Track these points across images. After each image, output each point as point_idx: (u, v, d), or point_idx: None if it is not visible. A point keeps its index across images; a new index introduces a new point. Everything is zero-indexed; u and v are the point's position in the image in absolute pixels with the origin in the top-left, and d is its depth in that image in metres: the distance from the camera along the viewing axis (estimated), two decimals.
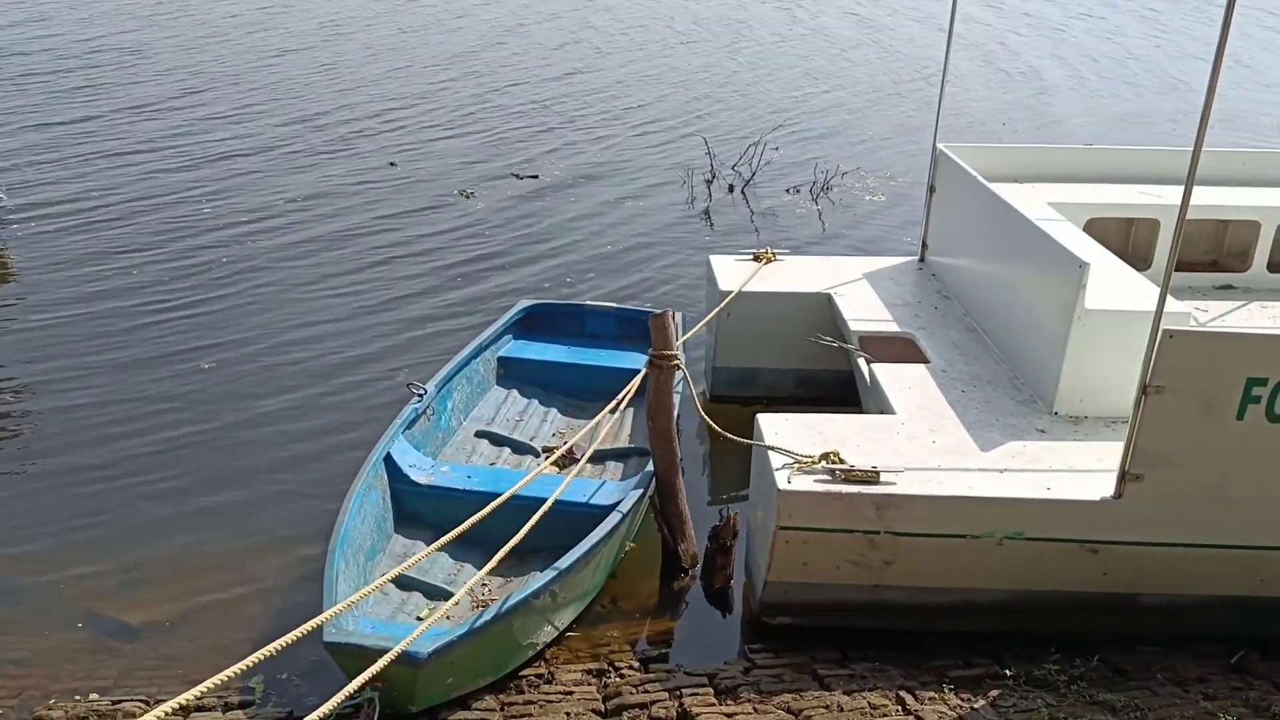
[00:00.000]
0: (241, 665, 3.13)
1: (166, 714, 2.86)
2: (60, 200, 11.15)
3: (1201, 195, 7.71)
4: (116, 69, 16.23)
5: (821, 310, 7.34)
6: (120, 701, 4.91)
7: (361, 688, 3.76)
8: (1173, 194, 7.68)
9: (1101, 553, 5.08)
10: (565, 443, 6.76)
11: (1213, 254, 8.07)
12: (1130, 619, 5.31)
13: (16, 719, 4.78)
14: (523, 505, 4.88)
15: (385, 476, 5.90)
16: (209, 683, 3.03)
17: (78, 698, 4.96)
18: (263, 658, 3.20)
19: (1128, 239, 7.79)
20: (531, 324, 7.86)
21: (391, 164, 12.80)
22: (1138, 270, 6.56)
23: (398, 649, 3.99)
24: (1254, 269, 7.73)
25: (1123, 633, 5.34)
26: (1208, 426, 4.80)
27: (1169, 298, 4.67)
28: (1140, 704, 4.76)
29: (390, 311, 9.13)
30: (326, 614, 3.74)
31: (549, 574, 4.95)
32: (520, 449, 6.78)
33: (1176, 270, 7.61)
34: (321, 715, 3.19)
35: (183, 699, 2.94)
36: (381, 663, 3.73)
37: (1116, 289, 5.90)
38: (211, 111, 14.42)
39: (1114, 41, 22.62)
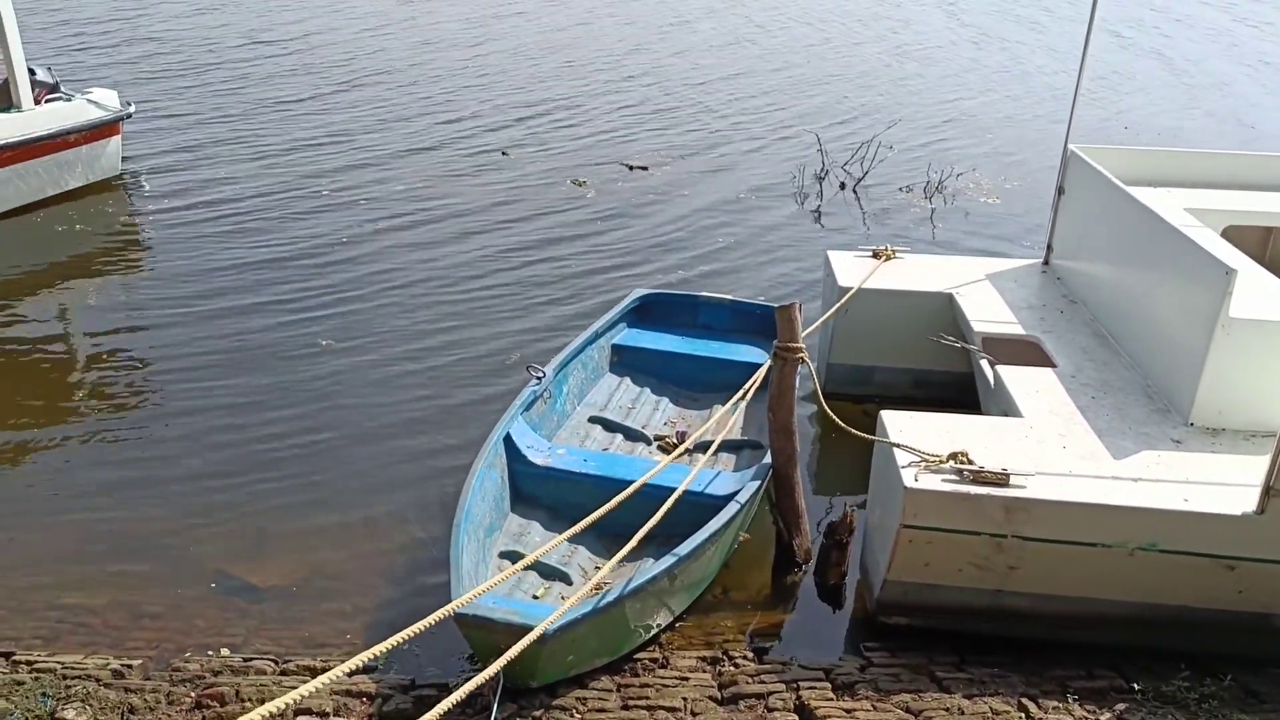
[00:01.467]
0: (387, 644, 3.20)
1: (325, 684, 2.93)
2: (185, 170, 11.59)
3: (1249, 200, 7.43)
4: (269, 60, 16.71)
5: (942, 310, 7.22)
6: (251, 659, 5.06)
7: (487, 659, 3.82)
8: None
9: (1239, 569, 4.92)
10: (676, 431, 6.79)
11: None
12: (1265, 640, 5.13)
13: (155, 669, 4.96)
14: (639, 492, 4.90)
15: (504, 456, 5.99)
16: (362, 656, 3.13)
17: (210, 653, 5.14)
18: (409, 636, 3.28)
19: (1266, 248, 7.51)
20: (646, 313, 7.89)
21: (504, 153, 12.95)
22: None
23: (532, 628, 4.04)
24: None
25: (1254, 654, 5.15)
26: None
27: None
28: None
29: (507, 298, 9.26)
30: (467, 596, 3.81)
31: (667, 560, 4.96)
32: (632, 435, 6.81)
33: None
34: (461, 692, 3.26)
35: (340, 670, 3.02)
36: (517, 643, 3.78)
37: (1263, 298, 5.69)
38: (347, 100, 14.78)
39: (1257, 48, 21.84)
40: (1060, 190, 7.64)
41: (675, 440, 6.64)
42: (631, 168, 12.66)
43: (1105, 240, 7.00)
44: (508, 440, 6.04)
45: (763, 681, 4.92)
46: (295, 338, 8.36)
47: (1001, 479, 4.95)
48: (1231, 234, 7.08)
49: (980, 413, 6.33)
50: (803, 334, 6.76)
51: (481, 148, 13.11)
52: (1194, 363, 5.56)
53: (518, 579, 5.41)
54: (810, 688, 4.85)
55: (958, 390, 6.91)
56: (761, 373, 5.82)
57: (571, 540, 5.77)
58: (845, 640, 5.53)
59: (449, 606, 3.71)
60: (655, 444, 6.74)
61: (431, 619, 3.45)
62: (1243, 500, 4.87)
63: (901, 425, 5.44)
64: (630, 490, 4.75)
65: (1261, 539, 4.83)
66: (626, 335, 7.67)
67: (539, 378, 6.50)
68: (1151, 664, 5.12)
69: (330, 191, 11.36)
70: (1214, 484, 5.07)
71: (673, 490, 5.14)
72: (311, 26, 18.97)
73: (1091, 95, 16.73)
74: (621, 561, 5.58)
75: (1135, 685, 4.93)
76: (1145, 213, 6.31)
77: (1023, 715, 4.69)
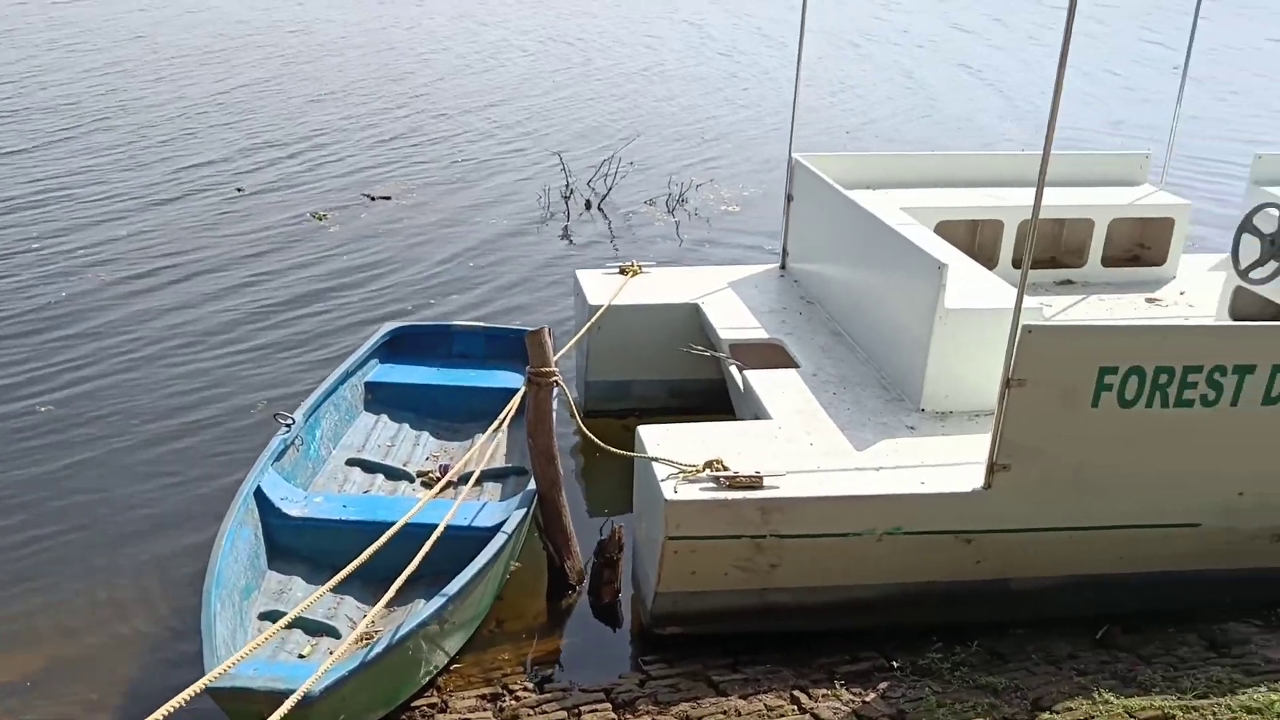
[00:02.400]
0: None
1: None
2: None
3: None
4: None
5: (691, 320, 7.42)
6: None
7: None
8: (1014, 196, 8.10)
9: (975, 542, 5.29)
10: (440, 466, 6.66)
11: (1052, 251, 8.51)
12: (1004, 604, 5.53)
13: None
14: (403, 533, 4.77)
15: (256, 511, 5.68)
16: None
17: None
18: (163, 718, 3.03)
19: (974, 239, 8.14)
20: (397, 347, 7.71)
21: (239, 190, 12.37)
22: (990, 269, 6.87)
23: (294, 691, 3.84)
24: (1090, 264, 8.19)
25: (997, 618, 5.55)
26: (1066, 415, 5.05)
27: (1029, 296, 4.91)
28: (1020, 684, 4.97)
29: (248, 342, 8.81)
30: (222, 666, 3.57)
31: (437, 601, 4.84)
32: (394, 475, 6.63)
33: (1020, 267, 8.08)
34: None
35: None
36: (278, 710, 3.57)
37: (973, 288, 6.16)
38: (74, 147, 13.67)
39: (957, 50, 23.69)
40: (789, 197, 8.02)
41: (439, 475, 6.51)
42: (374, 198, 12.37)
43: (832, 243, 7.40)
44: (259, 494, 5.73)
45: (544, 711, 4.88)
46: (3, 402, 7.66)
47: (755, 482, 5.12)
48: (943, 229, 7.64)
49: (736, 417, 6.54)
50: (557, 355, 6.80)
51: (218, 188, 12.45)
52: (919, 353, 5.95)
53: (280, 640, 5.14)
54: (591, 710, 4.85)
55: (713, 397, 7.10)
56: (517, 399, 5.78)
57: (336, 591, 5.53)
58: (624, 657, 5.55)
59: (202, 680, 3.46)
60: (419, 480, 6.59)
61: (184, 696, 3.19)
62: (972, 477, 5.24)
63: (658, 439, 5.53)
64: (391, 532, 4.60)
65: (991, 512, 5.21)
66: (379, 371, 7.46)
67: (288, 425, 6.21)
68: (909, 640, 5.42)
69: (47, 254, 10.48)
70: (946, 465, 5.43)
71: (437, 527, 5.02)
72: (27, 67, 17.51)
73: (822, 104, 17.73)
74: (390, 607, 5.43)
75: (895, 663, 5.21)
76: (865, 215, 6.71)
77: (795, 707, 4.86)
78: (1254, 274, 6.62)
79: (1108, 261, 8.22)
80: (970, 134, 16.47)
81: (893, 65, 21.89)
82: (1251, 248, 6.69)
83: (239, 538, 5.40)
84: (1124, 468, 5.23)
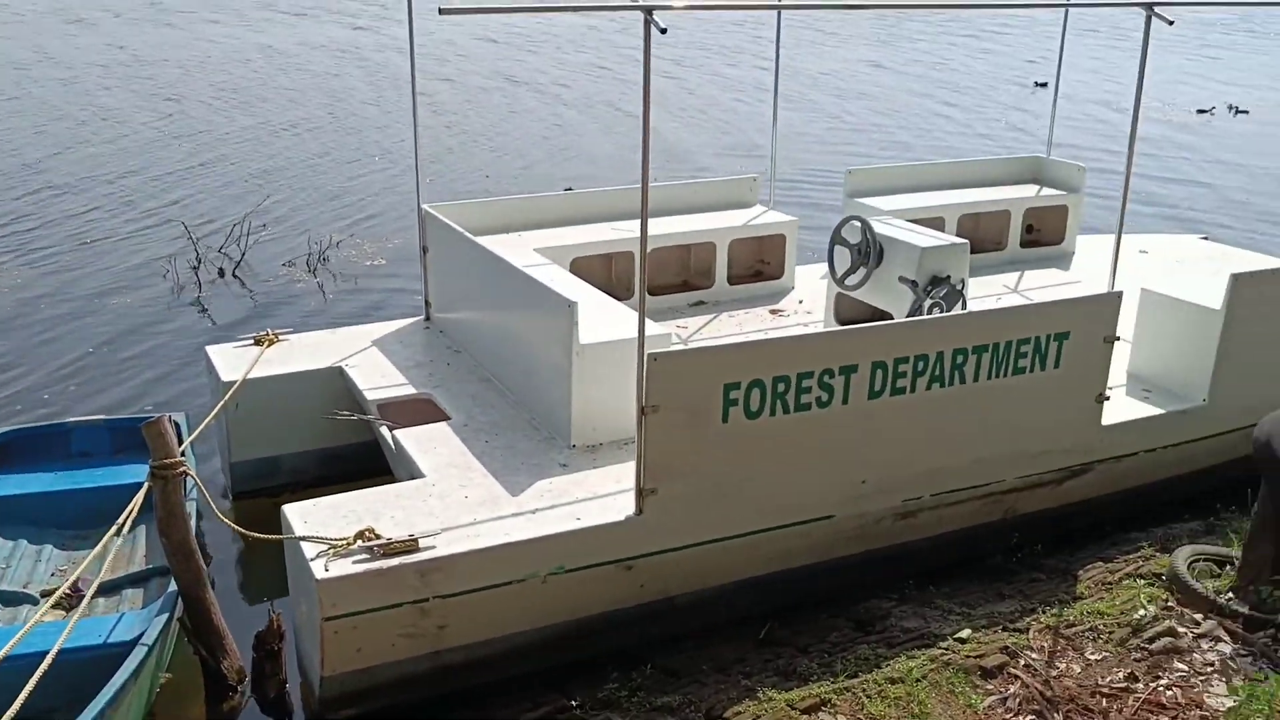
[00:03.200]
0: None
1: None
2: None
3: (665, 225, 8.60)
4: None
5: (335, 384, 7.16)
6: None
7: None
8: (639, 227, 8.46)
9: (635, 567, 5.42)
10: (68, 581, 6.00)
11: (683, 275, 8.97)
12: (672, 621, 5.71)
13: None
14: (25, 665, 4.24)
15: None
16: None
17: None
18: None
19: (610, 272, 8.43)
20: (8, 454, 6.90)
21: None
22: (623, 300, 7.12)
23: None
24: (718, 284, 8.71)
25: (671, 633, 5.72)
26: (701, 434, 5.31)
27: (650, 322, 5.11)
28: (694, 698, 5.13)
29: None
30: None
31: None
32: (11, 600, 5.90)
33: (657, 294, 8.47)
34: None
35: None
36: None
37: (605, 321, 6.35)
38: None
39: (596, 91, 24.55)
40: (423, 249, 7.95)
41: (68, 591, 5.85)
42: None
43: (470, 290, 7.40)
44: None
45: None
46: None
47: (411, 545, 4.98)
48: (579, 265, 7.85)
49: (396, 478, 6.36)
50: (190, 440, 6.34)
51: None
52: (562, 390, 6.05)
53: None
54: None
55: (371, 459, 6.88)
56: (140, 497, 5.32)
57: None
58: None
59: None
60: (44, 600, 5.89)
61: None
62: (624, 505, 5.38)
63: (306, 515, 5.27)
64: None
65: (646, 536, 5.37)
66: None
67: None
68: (587, 675, 5.46)
69: None
70: (600, 497, 5.54)
71: (65, 650, 4.50)
72: None
73: (460, 149, 17.79)
74: None
75: (575, 701, 5.23)
76: (496, 260, 6.76)
77: None
78: (848, 281, 7.30)
79: (733, 280, 8.77)
80: (613, 170, 17.11)
81: (537, 108, 22.41)
82: (844, 257, 7.36)
83: None
84: (760, 475, 5.56)
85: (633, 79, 26.37)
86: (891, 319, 7.11)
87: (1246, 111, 22.89)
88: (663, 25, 4.48)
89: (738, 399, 5.32)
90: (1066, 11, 9.48)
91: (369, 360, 7.34)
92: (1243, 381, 6.82)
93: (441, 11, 4.66)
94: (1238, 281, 6.64)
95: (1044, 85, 20.54)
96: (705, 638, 5.78)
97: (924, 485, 6.11)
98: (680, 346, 5.57)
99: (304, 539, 5.04)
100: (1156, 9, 5.81)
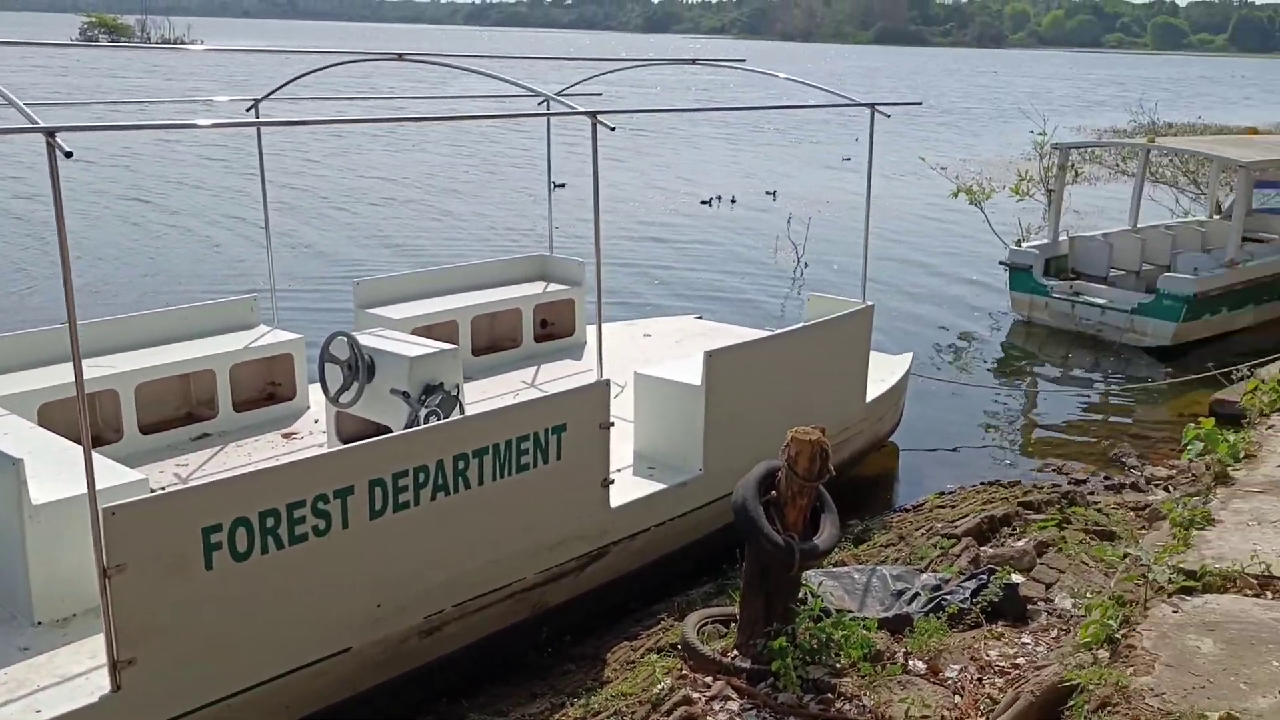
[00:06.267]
0: None
1: None
2: None
3: (158, 355, 7.89)
4: None
5: None
6: None
7: None
8: (127, 361, 7.71)
9: None
10: None
11: (186, 407, 8.27)
12: None
13: None
14: None
15: None
16: None
17: None
18: None
19: (96, 414, 7.57)
20: None
21: None
22: (115, 442, 6.39)
23: None
24: (223, 413, 8.12)
25: None
26: (183, 586, 4.79)
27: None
28: None
29: None
30: None
31: None
32: None
33: (156, 431, 7.71)
34: None
35: None
36: None
37: (69, 475, 5.62)
38: None
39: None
40: None
41: None
42: None
43: None
44: None
45: None
46: None
47: None
48: (51, 411, 6.97)
49: None
50: None
51: None
52: (18, 560, 5.25)
53: None
54: None
55: None
56: None
57: None
58: None
59: None
60: None
61: None
62: (100, 682, 4.71)
63: None
64: None
65: (127, 714, 4.71)
66: None
67: None
68: None
69: None
70: (71, 678, 4.82)
71: None
72: None
73: None
74: None
75: None
76: None
77: None
78: (342, 399, 7.08)
79: (240, 406, 8.23)
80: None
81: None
82: (335, 374, 7.13)
83: None
84: (260, 619, 5.12)
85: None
86: (391, 432, 6.97)
87: (735, 201, 25.71)
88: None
89: (220, 542, 4.88)
90: (549, 121, 10.02)
91: None
92: (730, 448, 7.41)
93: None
94: (711, 358, 7.24)
95: (562, 186, 21.89)
96: None
97: (445, 597, 5.97)
98: (140, 498, 4.97)
99: None
100: (600, 116, 6.25)
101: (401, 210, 23.84)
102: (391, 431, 6.94)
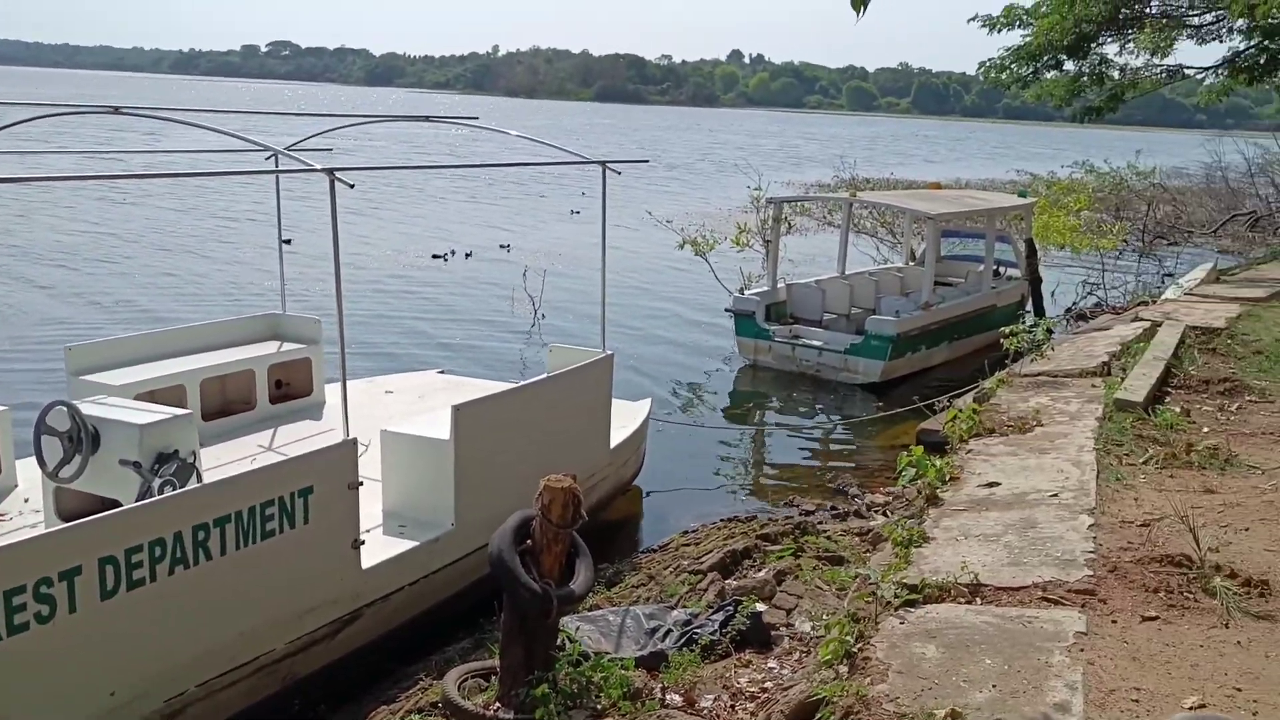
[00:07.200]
0: None
1: None
2: None
3: None
4: None
5: None
6: None
7: None
8: None
9: None
10: None
11: None
12: None
13: None
14: None
15: None
16: None
17: None
18: None
19: None
20: None
21: None
22: None
23: None
24: None
25: None
26: None
27: None
28: None
29: None
30: None
31: None
32: None
33: None
34: None
35: None
36: None
37: None
38: None
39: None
40: None
41: None
42: None
43: None
44: None
45: None
46: None
47: None
48: None
49: None
50: None
51: None
52: None
53: None
54: None
55: None
56: None
57: None
58: None
59: None
60: None
61: None
62: None
63: None
64: None
65: None
66: None
67: None
68: None
69: None
70: None
71: None
72: None
73: None
74: None
75: None
76: None
77: None
78: (63, 473, 6.58)
79: None
80: None
81: None
82: (54, 446, 6.61)
83: None
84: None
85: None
86: (121, 506, 6.53)
87: (470, 254, 25.71)
88: None
89: (26, 604, 4.44)
90: (277, 178, 9.73)
91: None
92: (481, 501, 7.43)
93: None
94: (459, 412, 7.25)
95: (288, 242, 21.00)
96: None
97: (188, 676, 5.64)
98: None
99: None
100: (337, 173, 6.19)
101: (119, 267, 22.31)
102: (121, 505, 6.50)
